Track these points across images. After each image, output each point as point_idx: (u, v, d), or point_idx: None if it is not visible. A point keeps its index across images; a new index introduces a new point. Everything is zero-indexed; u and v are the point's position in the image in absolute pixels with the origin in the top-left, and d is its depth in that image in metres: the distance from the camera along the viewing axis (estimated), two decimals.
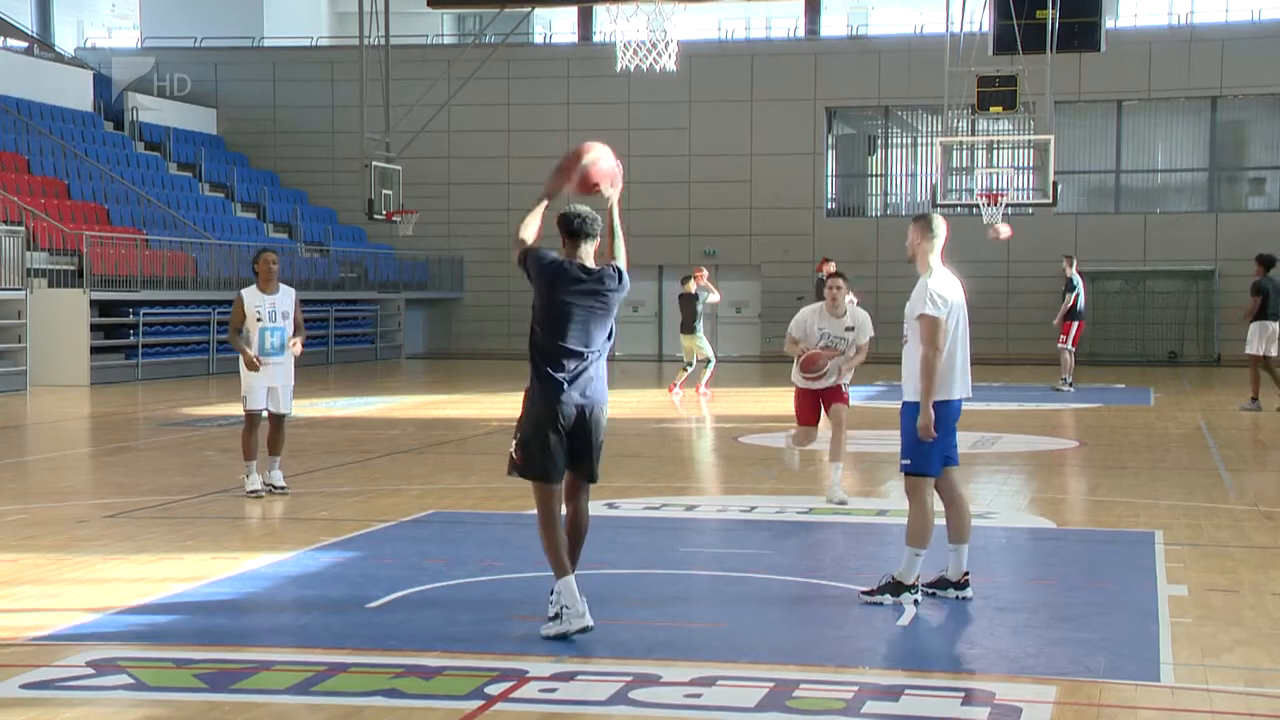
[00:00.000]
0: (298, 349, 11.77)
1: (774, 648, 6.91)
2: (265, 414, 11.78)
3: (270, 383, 11.71)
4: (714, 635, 7.16)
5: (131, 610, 7.64)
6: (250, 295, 11.65)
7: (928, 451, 7.75)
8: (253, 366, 11.58)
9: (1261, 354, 20.32)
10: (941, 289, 7.80)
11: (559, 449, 7.09)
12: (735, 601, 7.98)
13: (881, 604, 7.71)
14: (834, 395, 11.33)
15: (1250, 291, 20.50)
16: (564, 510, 7.23)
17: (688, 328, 22.38)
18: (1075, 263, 23.90)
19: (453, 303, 37.11)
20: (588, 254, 7.21)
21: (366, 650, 6.78)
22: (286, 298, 11.74)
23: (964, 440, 16.09)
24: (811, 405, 11.44)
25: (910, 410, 7.80)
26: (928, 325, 7.70)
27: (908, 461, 7.82)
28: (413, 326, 36.26)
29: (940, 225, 7.97)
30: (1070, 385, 23.80)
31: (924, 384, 7.68)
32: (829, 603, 8.01)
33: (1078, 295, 23.45)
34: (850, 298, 11.37)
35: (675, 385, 22.62)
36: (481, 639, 7.03)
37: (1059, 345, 23.87)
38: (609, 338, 7.24)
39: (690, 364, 22.49)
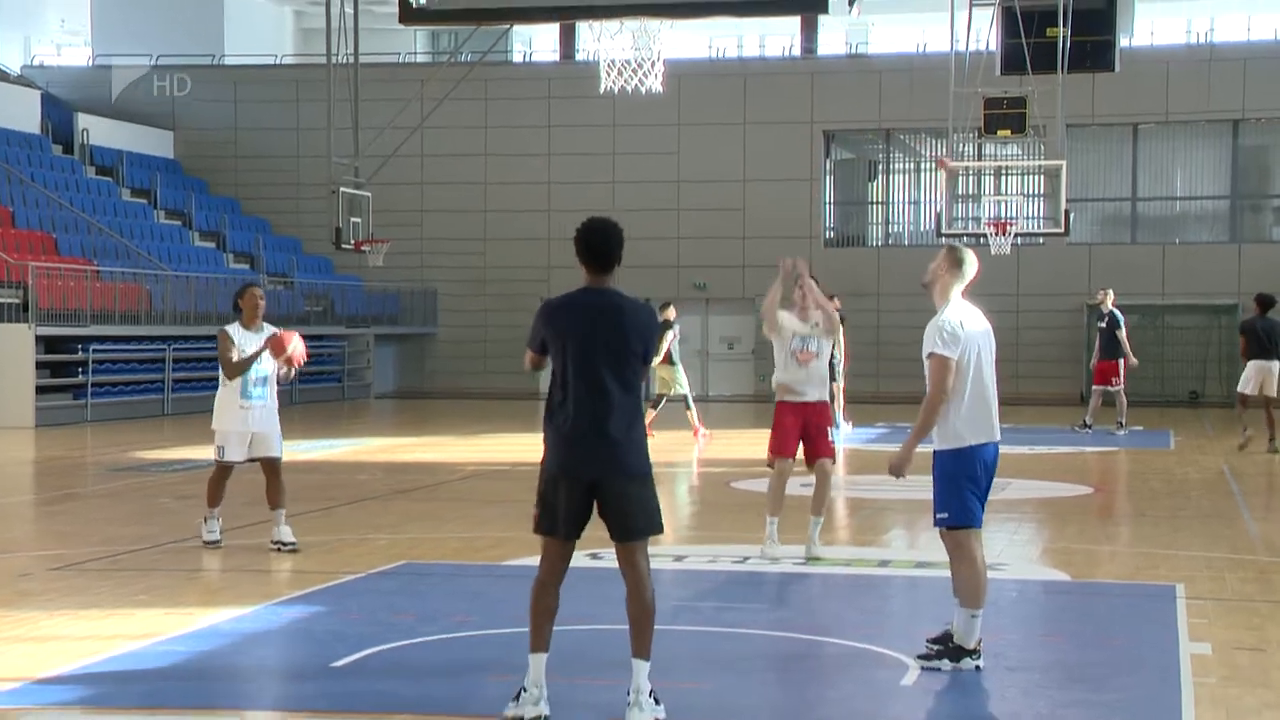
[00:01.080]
0: (293, 363, 11.46)
1: (769, 710, 6.88)
2: (252, 463, 11.59)
3: (254, 428, 11.55)
4: (704, 696, 7.13)
5: (78, 672, 7.59)
6: (236, 332, 11.52)
7: (967, 502, 7.62)
8: (279, 349, 11.24)
9: (1248, 392, 20.73)
10: (956, 323, 7.69)
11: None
12: (727, 660, 7.95)
13: (939, 669, 7.59)
14: (819, 444, 11.11)
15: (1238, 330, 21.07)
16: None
17: (666, 358, 22.41)
18: (1113, 295, 24.07)
19: (425, 338, 37.09)
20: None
21: (331, 714, 6.74)
22: (270, 336, 11.67)
23: None
24: (793, 431, 11.15)
25: (943, 459, 7.69)
26: (936, 365, 7.62)
27: (945, 515, 7.65)
28: (382, 364, 36.22)
29: (972, 265, 7.85)
30: (1090, 428, 23.82)
31: (919, 421, 7.63)
32: (827, 661, 7.98)
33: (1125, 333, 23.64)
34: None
35: (699, 427, 22.43)
36: (454, 701, 7.00)
37: (1112, 387, 23.80)
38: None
39: (661, 399, 22.34)
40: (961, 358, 7.66)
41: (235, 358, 11.43)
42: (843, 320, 18.96)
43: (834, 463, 11.49)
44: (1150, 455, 20.75)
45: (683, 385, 22.52)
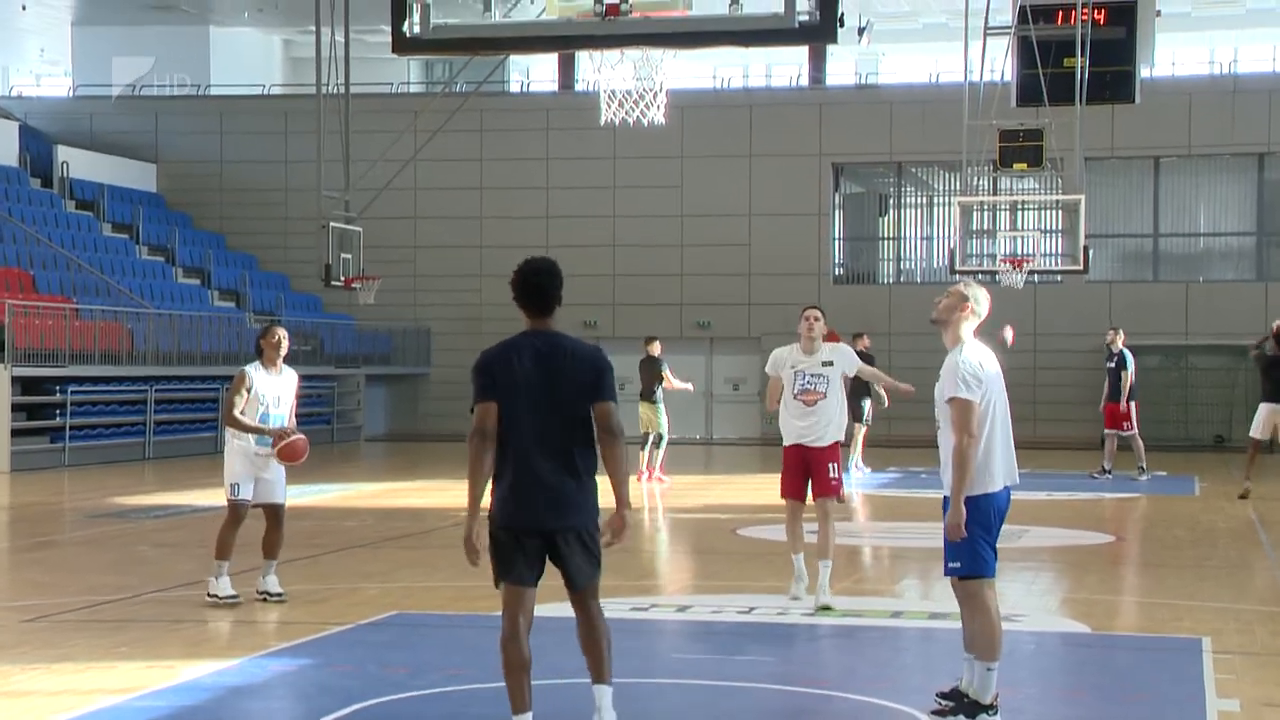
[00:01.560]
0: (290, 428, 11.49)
1: None
2: (255, 508, 11.55)
3: (262, 473, 11.47)
4: None
5: None
6: (256, 373, 11.44)
7: (979, 550, 7.58)
8: (282, 436, 11.28)
9: (1257, 436, 20.73)
10: (976, 364, 7.65)
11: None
12: (734, 716, 7.91)
13: None
14: (821, 482, 11.07)
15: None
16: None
17: (647, 394, 22.52)
18: (1123, 334, 24.06)
19: (418, 379, 37.10)
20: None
21: None
22: (289, 380, 11.62)
23: None
24: (799, 470, 11.12)
25: (950, 505, 7.65)
26: (960, 410, 7.55)
27: (958, 564, 7.61)
28: (374, 405, 36.23)
29: (985, 302, 7.84)
30: (1110, 473, 23.77)
31: (956, 476, 7.53)
32: (835, 717, 7.94)
33: (1133, 374, 23.57)
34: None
35: (641, 468, 22.51)
36: None
37: (1125, 431, 23.74)
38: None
39: (648, 438, 22.49)
40: (984, 402, 7.64)
41: (242, 407, 11.35)
42: (870, 361, 19.03)
43: (840, 501, 11.40)
44: (1174, 502, 20.70)
45: (662, 426, 22.51)
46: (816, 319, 11.07)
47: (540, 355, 6.82)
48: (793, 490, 11.18)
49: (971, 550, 7.58)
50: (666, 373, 22.48)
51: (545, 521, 6.80)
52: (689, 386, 23.25)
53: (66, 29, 39.93)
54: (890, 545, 14.93)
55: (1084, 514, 18.99)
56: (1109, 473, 23.78)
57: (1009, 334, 24.80)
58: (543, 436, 6.78)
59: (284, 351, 11.53)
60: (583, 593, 6.91)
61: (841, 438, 11.25)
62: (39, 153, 35.65)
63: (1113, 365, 23.79)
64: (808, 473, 11.09)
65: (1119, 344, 23.76)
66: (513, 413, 6.79)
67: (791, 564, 11.37)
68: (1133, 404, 23.71)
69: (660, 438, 22.51)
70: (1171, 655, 9.72)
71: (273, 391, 11.42)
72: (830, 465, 11.09)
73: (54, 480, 23.62)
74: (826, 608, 10.93)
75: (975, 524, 7.58)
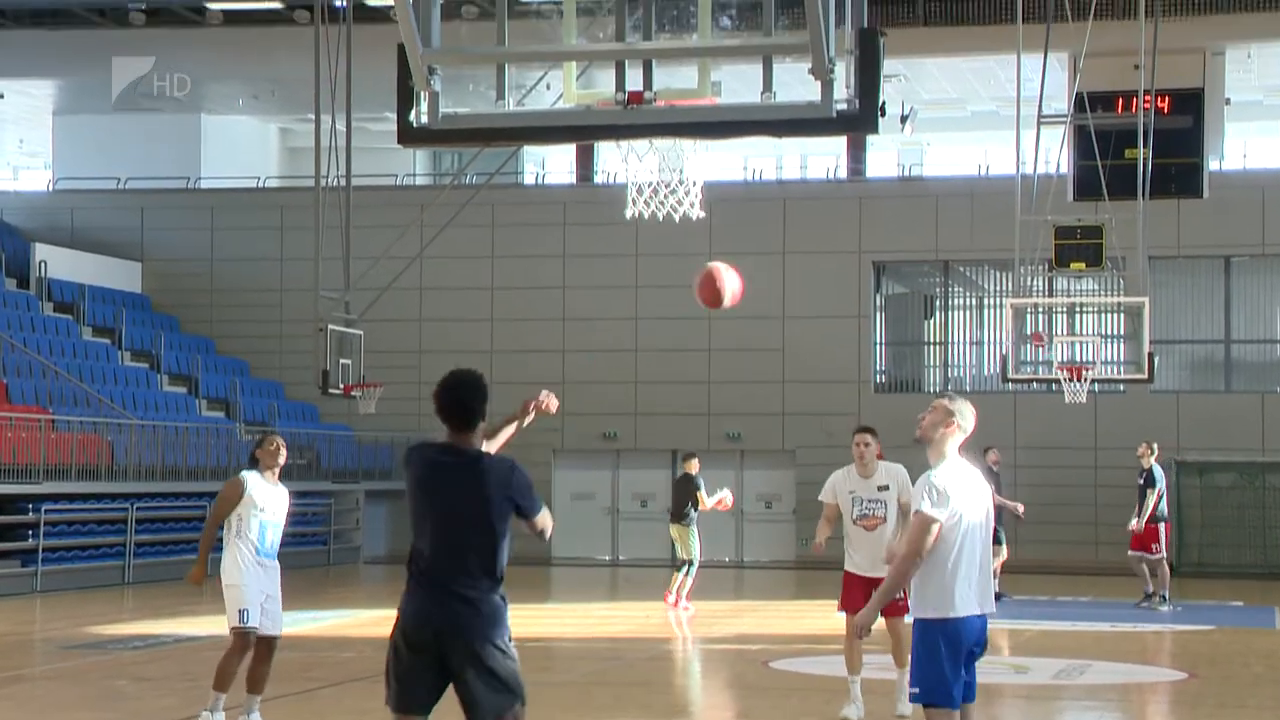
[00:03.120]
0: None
1: None
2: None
3: (266, 591, 11.39)
4: None
5: None
6: (254, 480, 11.42)
7: (944, 678, 7.76)
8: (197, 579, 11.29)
9: None
10: (949, 482, 7.95)
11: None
12: None
13: None
14: (890, 604, 11.32)
15: None
16: None
17: (678, 515, 22.51)
18: (1157, 450, 23.94)
19: None
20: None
21: None
22: (283, 496, 11.62)
23: (1046, 669, 15.91)
24: (860, 587, 11.46)
25: (923, 629, 7.90)
26: (919, 524, 7.87)
27: (916, 690, 7.86)
28: (373, 524, 36.12)
29: (970, 417, 8.20)
30: (1156, 601, 23.53)
31: (888, 582, 8.00)
32: None
33: (1161, 493, 23.45)
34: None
35: (671, 593, 22.46)
36: None
37: (1152, 555, 23.62)
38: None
39: (683, 564, 22.45)
40: (952, 521, 7.89)
41: (239, 511, 11.36)
42: (996, 480, 19.24)
43: (906, 622, 11.56)
44: (1251, 635, 20.51)
45: (694, 550, 22.43)
46: (867, 444, 11.59)
47: (456, 470, 7.13)
48: (851, 604, 11.49)
49: (937, 677, 7.78)
50: (702, 494, 22.44)
51: (440, 639, 6.94)
52: (727, 494, 22.89)
53: (48, 118, 40.37)
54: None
55: (1152, 648, 18.83)
56: (1164, 599, 23.50)
57: (1019, 508, 24.34)
58: (449, 550, 7.04)
59: (282, 461, 11.54)
60: None
61: None
62: (15, 250, 35.91)
63: (1141, 482, 23.71)
64: (869, 593, 11.33)
65: (1149, 460, 23.62)
66: (421, 522, 7.13)
67: (847, 688, 11.59)
68: (1161, 525, 23.56)
69: (689, 564, 22.42)
70: None
71: (274, 500, 11.42)
72: None
73: (25, 608, 23.54)
74: (902, 717, 11.18)
75: (942, 649, 7.80)
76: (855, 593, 11.49)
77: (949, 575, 7.83)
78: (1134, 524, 23.42)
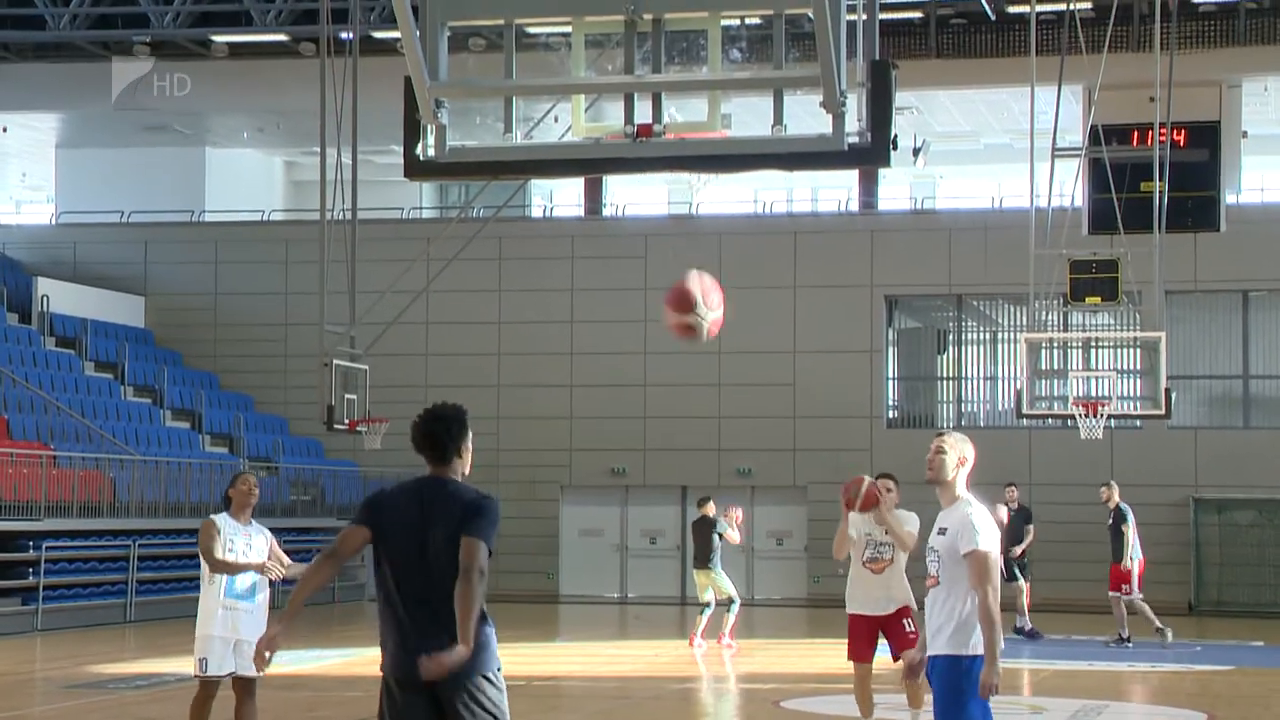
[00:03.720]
0: (284, 568, 11.37)
1: None
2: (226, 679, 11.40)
3: (237, 635, 11.29)
4: None
5: None
6: (224, 522, 11.38)
7: (969, 715, 7.82)
8: (269, 572, 11.23)
9: None
10: (987, 521, 8.13)
11: None
12: None
13: None
14: (899, 636, 11.54)
15: None
16: None
17: (701, 561, 22.67)
18: (1117, 489, 24.04)
19: None
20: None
21: None
22: (261, 536, 11.50)
23: (1063, 709, 15.86)
24: (866, 634, 11.62)
25: (945, 667, 7.89)
26: (981, 563, 7.96)
27: None
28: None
29: (971, 450, 8.32)
30: (1128, 642, 23.47)
31: (988, 632, 7.86)
32: None
33: (1133, 529, 23.54)
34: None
35: (696, 634, 22.59)
36: None
37: (1127, 595, 23.60)
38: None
39: (710, 604, 22.58)
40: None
41: (221, 553, 11.29)
42: (1027, 517, 19.99)
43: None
44: (1272, 676, 20.46)
45: (729, 588, 22.61)
46: (889, 490, 11.71)
47: (431, 501, 7.18)
48: (859, 654, 11.70)
49: (963, 715, 7.84)
50: (727, 533, 22.61)
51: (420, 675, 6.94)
52: (737, 512, 23.19)
53: (50, 151, 40.50)
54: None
55: (1170, 688, 18.76)
56: (1164, 633, 23.45)
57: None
58: (429, 585, 7.07)
59: (253, 501, 11.48)
60: None
61: (911, 602, 11.67)
62: (17, 285, 35.98)
63: (1111, 522, 23.71)
64: (875, 637, 11.57)
65: (1114, 499, 23.64)
66: (389, 556, 7.13)
67: None
68: (1136, 562, 23.54)
69: (731, 601, 22.61)
70: None
71: (243, 541, 11.33)
72: (905, 621, 11.65)
73: (25, 647, 23.53)
74: None
75: (971, 688, 7.81)
76: (861, 642, 11.66)
77: (970, 611, 7.93)
78: (1126, 562, 23.41)
